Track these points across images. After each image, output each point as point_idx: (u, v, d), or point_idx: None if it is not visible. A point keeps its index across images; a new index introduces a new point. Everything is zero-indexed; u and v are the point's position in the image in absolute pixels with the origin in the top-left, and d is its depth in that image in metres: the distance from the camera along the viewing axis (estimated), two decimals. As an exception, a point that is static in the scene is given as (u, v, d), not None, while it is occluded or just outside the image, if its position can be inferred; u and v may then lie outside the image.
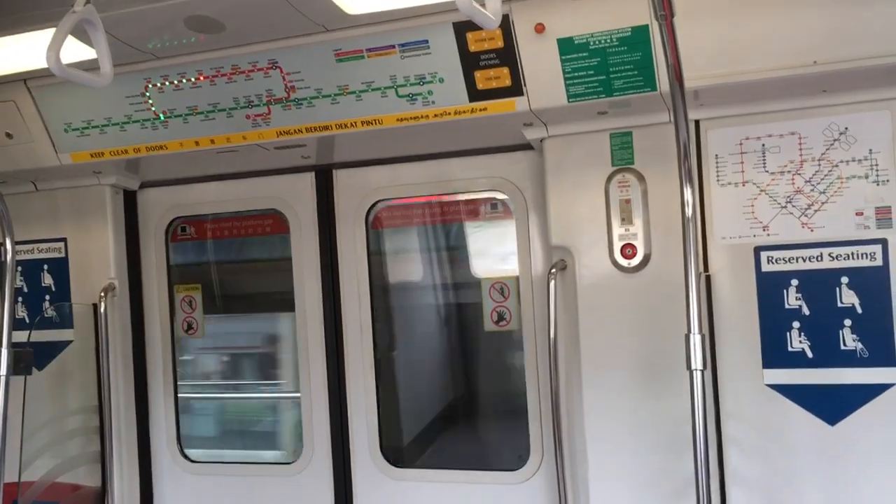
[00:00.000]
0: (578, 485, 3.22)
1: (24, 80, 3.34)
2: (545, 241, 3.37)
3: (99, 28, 2.25)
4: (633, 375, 3.08)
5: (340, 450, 3.85)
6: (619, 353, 3.10)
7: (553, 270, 3.16)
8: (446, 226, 3.99)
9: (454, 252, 4.04)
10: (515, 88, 2.94)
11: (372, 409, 3.81)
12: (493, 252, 3.83)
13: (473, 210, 3.85)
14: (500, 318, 3.71)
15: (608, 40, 2.77)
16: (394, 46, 2.95)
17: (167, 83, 3.23)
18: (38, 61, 2.35)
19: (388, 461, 3.81)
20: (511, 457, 3.68)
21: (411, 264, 4.14)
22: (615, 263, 3.11)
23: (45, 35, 2.16)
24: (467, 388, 4.21)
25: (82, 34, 2.32)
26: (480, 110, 3.02)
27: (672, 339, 2.74)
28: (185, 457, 4.12)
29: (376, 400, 3.81)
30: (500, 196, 3.69)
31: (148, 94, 3.28)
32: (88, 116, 3.41)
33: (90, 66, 2.35)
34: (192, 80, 3.19)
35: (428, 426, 4.21)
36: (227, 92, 3.20)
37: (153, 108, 3.31)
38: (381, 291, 3.98)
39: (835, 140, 2.87)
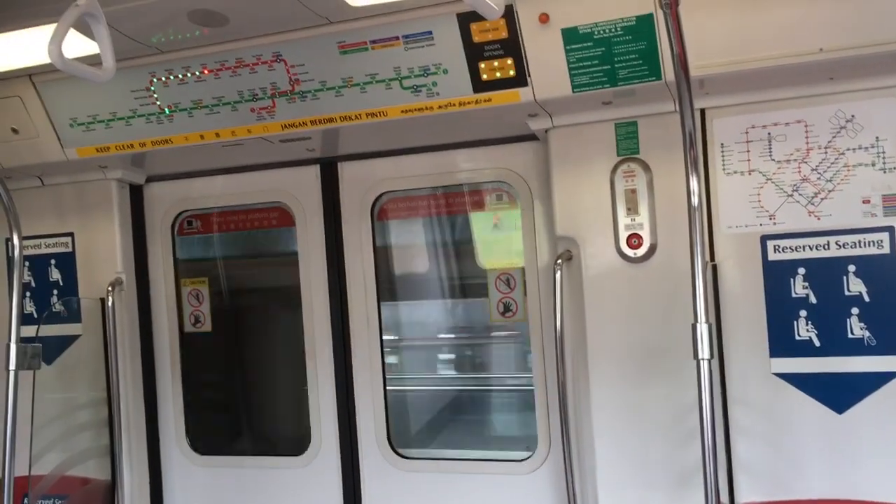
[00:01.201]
0: (586, 474, 3.23)
1: (29, 75, 3.34)
2: (551, 232, 3.37)
3: (101, 22, 2.25)
4: (639, 365, 3.08)
5: (348, 441, 3.86)
6: (626, 343, 3.10)
7: (559, 261, 3.16)
8: (452, 217, 3.98)
9: (460, 243, 4.03)
10: (520, 79, 2.93)
11: (379, 400, 3.82)
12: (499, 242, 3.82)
13: (479, 201, 3.84)
14: (507, 309, 3.71)
15: (612, 30, 2.76)
16: (398, 38, 2.94)
17: (172, 77, 3.22)
18: (42, 56, 2.35)
19: (396, 452, 3.83)
20: (518, 447, 3.68)
21: (417, 256, 4.14)
22: (621, 253, 3.10)
23: (50, 30, 2.16)
24: (474, 378, 4.21)
25: (86, 29, 2.32)
26: (485, 101, 3.01)
27: (679, 329, 2.73)
28: (194, 449, 4.13)
29: (383, 391, 3.82)
30: (505, 187, 3.68)
31: (153, 88, 3.28)
32: (94, 111, 3.41)
33: (94, 61, 2.35)
34: (197, 73, 3.19)
35: (435, 417, 4.22)
36: (232, 85, 3.20)
37: (158, 103, 3.32)
38: (387, 283, 3.98)
39: (841, 128, 2.85)
